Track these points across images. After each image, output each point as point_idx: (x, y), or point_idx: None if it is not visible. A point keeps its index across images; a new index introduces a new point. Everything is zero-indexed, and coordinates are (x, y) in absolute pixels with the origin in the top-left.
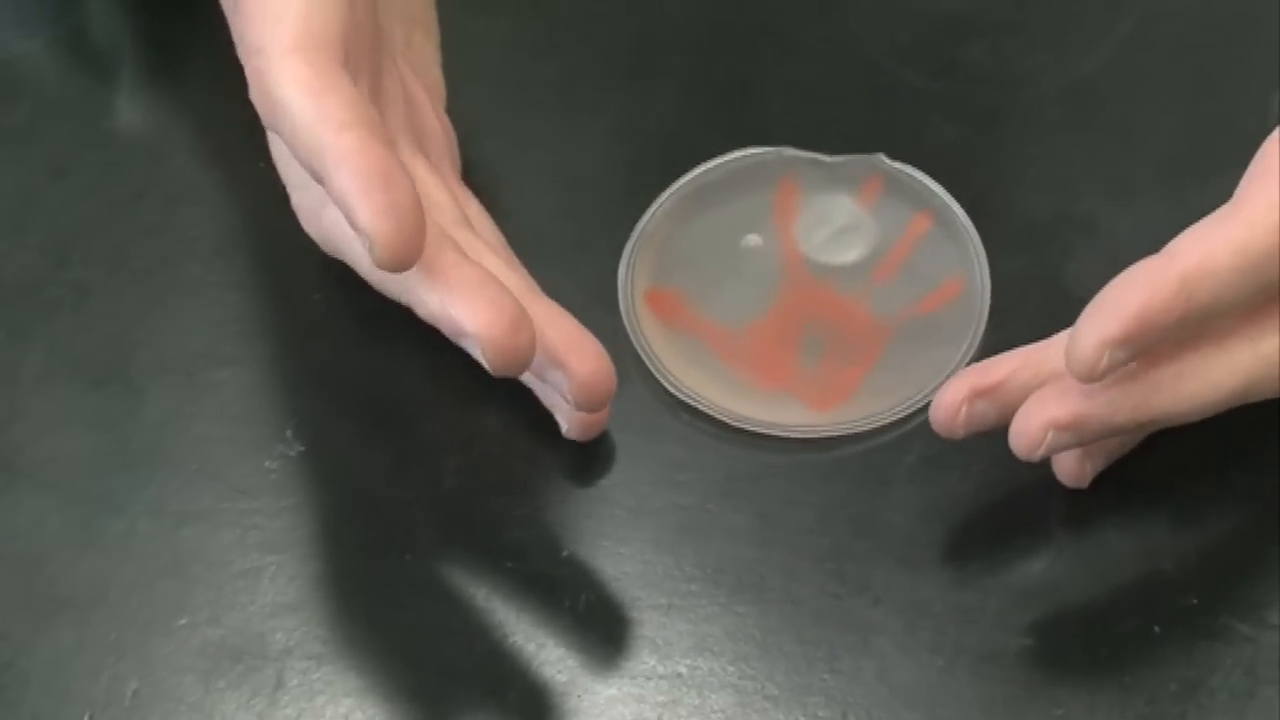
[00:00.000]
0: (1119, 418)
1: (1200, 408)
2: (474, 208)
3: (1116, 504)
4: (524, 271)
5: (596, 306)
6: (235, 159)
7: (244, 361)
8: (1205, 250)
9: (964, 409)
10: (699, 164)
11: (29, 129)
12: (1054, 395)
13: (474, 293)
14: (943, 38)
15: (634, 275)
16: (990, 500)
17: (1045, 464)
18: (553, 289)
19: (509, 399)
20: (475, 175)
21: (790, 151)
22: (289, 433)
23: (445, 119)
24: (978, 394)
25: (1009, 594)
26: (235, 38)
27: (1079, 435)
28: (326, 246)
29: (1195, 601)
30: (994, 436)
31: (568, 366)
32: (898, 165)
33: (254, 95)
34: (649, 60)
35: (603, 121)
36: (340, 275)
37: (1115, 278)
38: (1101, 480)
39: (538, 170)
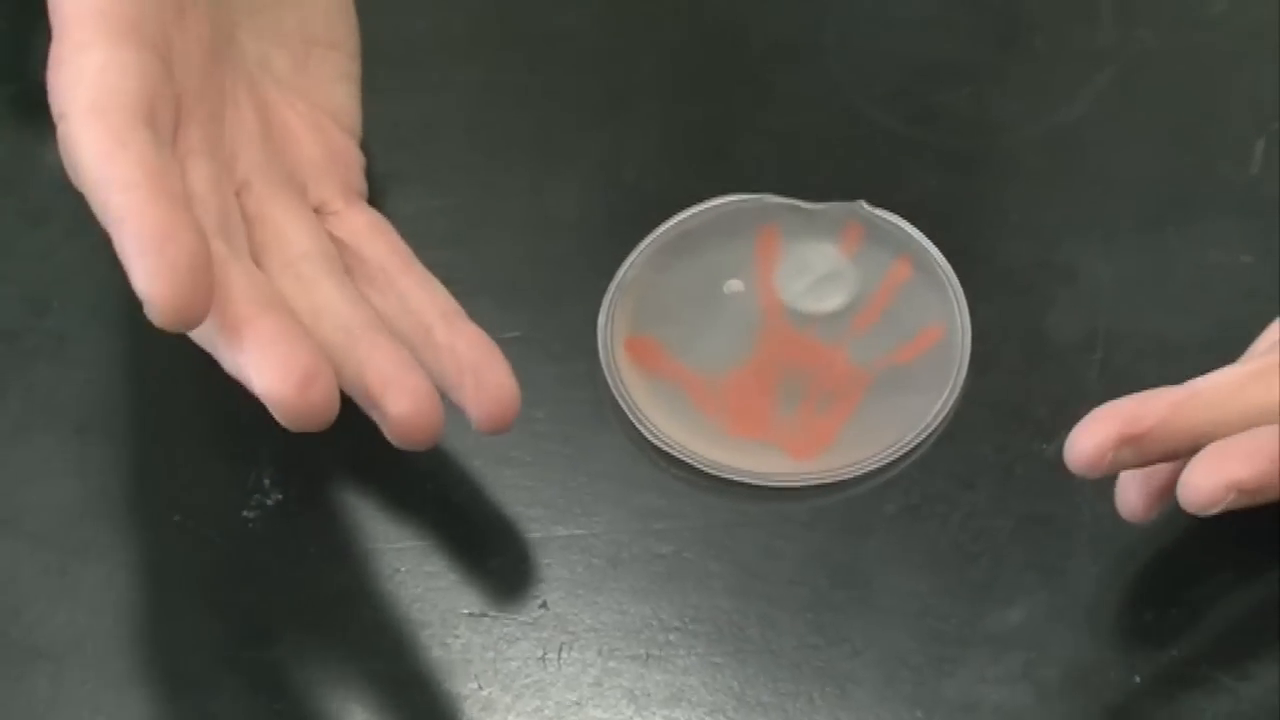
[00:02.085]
0: None
1: None
2: (363, 227)
3: (1095, 553)
4: (420, 287)
5: (576, 354)
6: None
7: (223, 410)
8: None
9: (1110, 454)
10: (679, 212)
11: (6, 176)
12: (1239, 455)
13: (263, 349)
14: (924, 85)
15: (613, 323)
16: (969, 550)
17: (1021, 515)
18: (531, 337)
19: (485, 450)
20: (454, 224)
21: (771, 199)
22: (266, 482)
23: (340, 141)
24: (1126, 440)
25: (988, 645)
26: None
27: (1255, 498)
28: None
29: (1176, 653)
30: (975, 485)
31: (380, 408)
32: (878, 212)
33: (63, 158)
34: (628, 107)
35: (582, 169)
36: None
37: None
38: (1079, 530)
39: (516, 218)
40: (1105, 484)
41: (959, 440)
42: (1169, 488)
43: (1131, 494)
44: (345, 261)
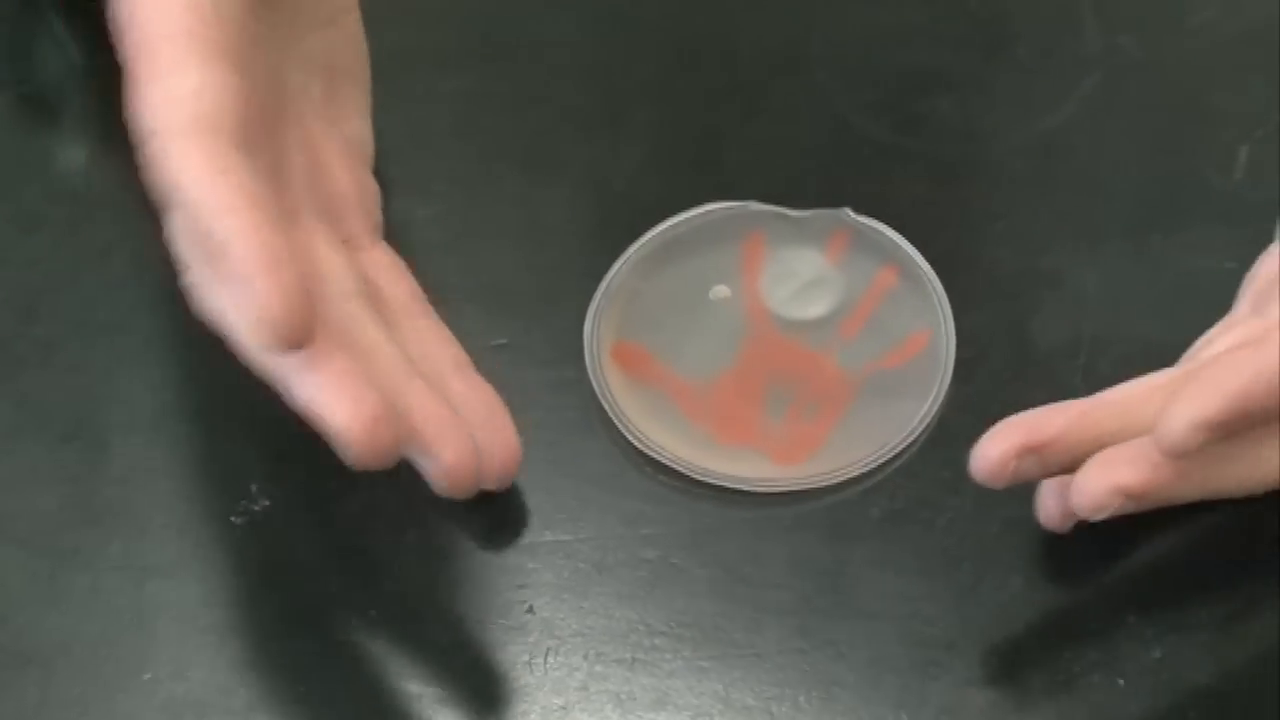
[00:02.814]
0: (1185, 490)
1: (1252, 488)
2: (386, 267)
3: (1079, 557)
4: (435, 333)
5: (563, 361)
6: None
7: (209, 417)
8: None
9: (1013, 464)
10: (666, 219)
11: None
12: (1125, 460)
13: (336, 388)
14: (909, 93)
15: (600, 330)
16: (954, 554)
17: (1007, 519)
18: (519, 343)
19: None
20: (442, 232)
21: (757, 206)
22: (253, 488)
23: (364, 174)
24: (1028, 450)
25: (972, 647)
26: (132, 120)
27: (1142, 502)
28: (214, 326)
29: (1159, 655)
30: (960, 490)
31: (431, 455)
32: (864, 220)
33: (151, 177)
34: (615, 115)
35: (569, 176)
36: None
37: (1213, 358)
38: (1064, 535)
39: (504, 225)
40: None
41: (944, 445)
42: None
43: (1050, 502)
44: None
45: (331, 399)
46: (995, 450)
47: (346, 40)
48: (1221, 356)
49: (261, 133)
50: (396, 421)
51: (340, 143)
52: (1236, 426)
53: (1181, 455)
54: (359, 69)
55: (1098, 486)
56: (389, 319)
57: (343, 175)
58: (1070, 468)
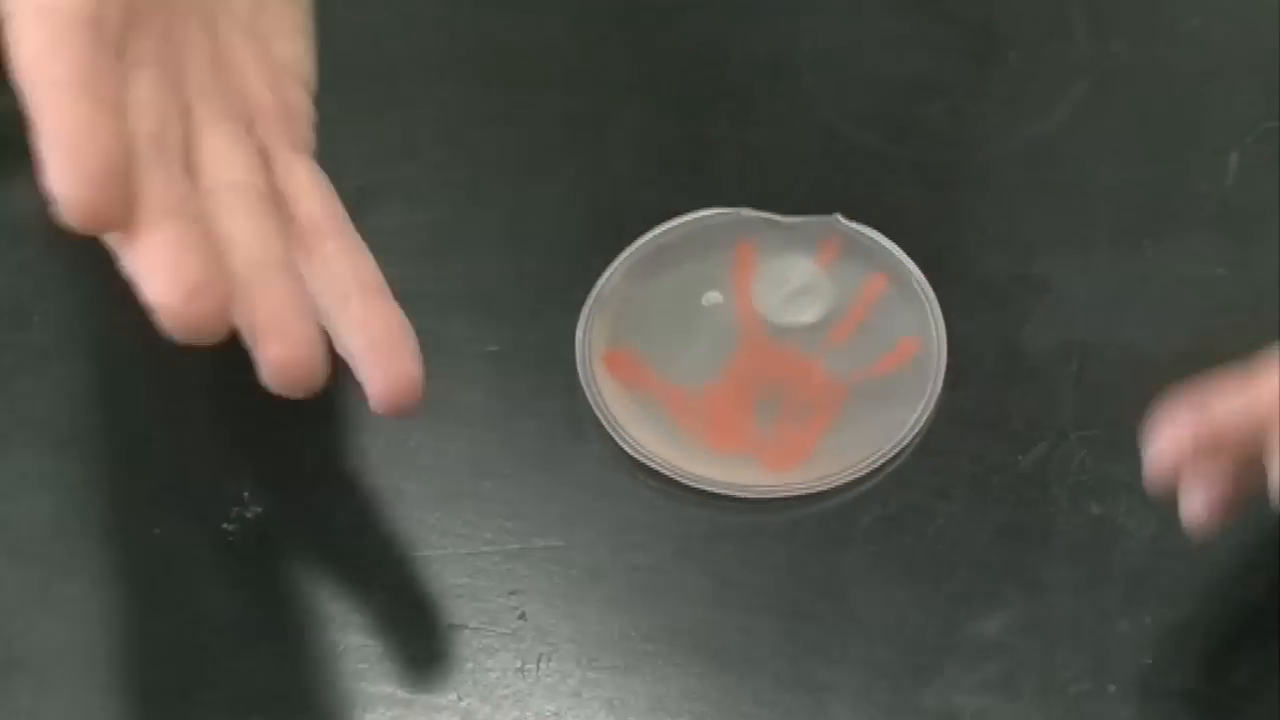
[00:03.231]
0: None
1: None
2: (302, 181)
3: (1070, 564)
4: (345, 253)
5: (554, 367)
6: None
7: (201, 424)
8: None
9: (1189, 464)
10: (656, 225)
11: None
12: None
13: (156, 254)
14: (900, 99)
15: (591, 336)
16: (945, 561)
17: (998, 526)
18: (510, 350)
19: (464, 463)
20: (433, 239)
21: (748, 212)
22: (246, 495)
23: (292, 90)
24: (1201, 449)
25: (964, 654)
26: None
27: None
28: None
29: (1150, 661)
30: (951, 497)
31: (258, 349)
32: (855, 226)
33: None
34: (605, 122)
35: (560, 183)
36: None
37: None
38: (1055, 541)
39: (496, 232)
40: (1080, 494)
41: (935, 452)
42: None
43: (1196, 503)
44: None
45: (150, 266)
46: (1169, 452)
47: None
48: None
49: (146, 18)
50: (221, 297)
51: (260, 54)
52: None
53: None
54: None
55: None
56: (296, 235)
57: (257, 83)
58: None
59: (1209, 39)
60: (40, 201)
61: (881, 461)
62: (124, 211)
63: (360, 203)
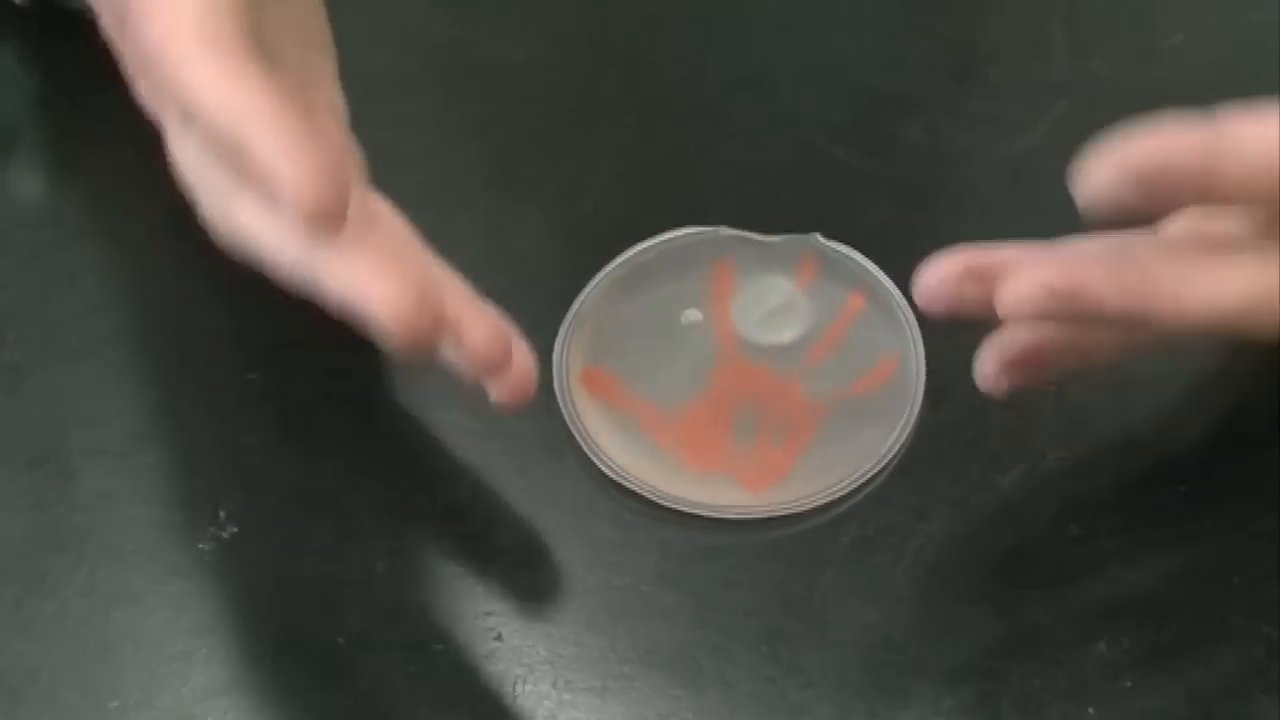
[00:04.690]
0: (1112, 299)
1: (1194, 316)
2: (381, 206)
3: (1049, 586)
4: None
5: None
6: (169, 241)
7: (177, 443)
8: (1253, 133)
9: (954, 287)
10: (635, 244)
11: None
12: (1051, 260)
13: (374, 271)
14: (879, 116)
15: (569, 355)
16: (923, 581)
17: (976, 547)
18: None
19: (441, 482)
20: None
21: (726, 231)
22: (222, 515)
23: (348, 135)
24: (971, 275)
25: (941, 675)
26: (129, 59)
27: (1069, 305)
28: (240, 248)
29: (1129, 684)
30: (929, 517)
31: (463, 337)
32: (833, 245)
33: (164, 98)
34: (584, 139)
35: (538, 201)
36: (272, 357)
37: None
38: (1034, 563)
39: (472, 249)
40: (1058, 515)
41: (914, 472)
42: (1025, 359)
43: (988, 365)
44: None
45: (371, 282)
46: (937, 273)
47: (310, 12)
48: (1164, 121)
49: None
50: (436, 303)
51: (317, 102)
52: (1154, 189)
53: (1097, 202)
54: (325, 40)
55: (1023, 282)
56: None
57: (331, 126)
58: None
59: (1189, 57)
60: (11, 218)
61: (860, 482)
62: (347, 212)
63: None
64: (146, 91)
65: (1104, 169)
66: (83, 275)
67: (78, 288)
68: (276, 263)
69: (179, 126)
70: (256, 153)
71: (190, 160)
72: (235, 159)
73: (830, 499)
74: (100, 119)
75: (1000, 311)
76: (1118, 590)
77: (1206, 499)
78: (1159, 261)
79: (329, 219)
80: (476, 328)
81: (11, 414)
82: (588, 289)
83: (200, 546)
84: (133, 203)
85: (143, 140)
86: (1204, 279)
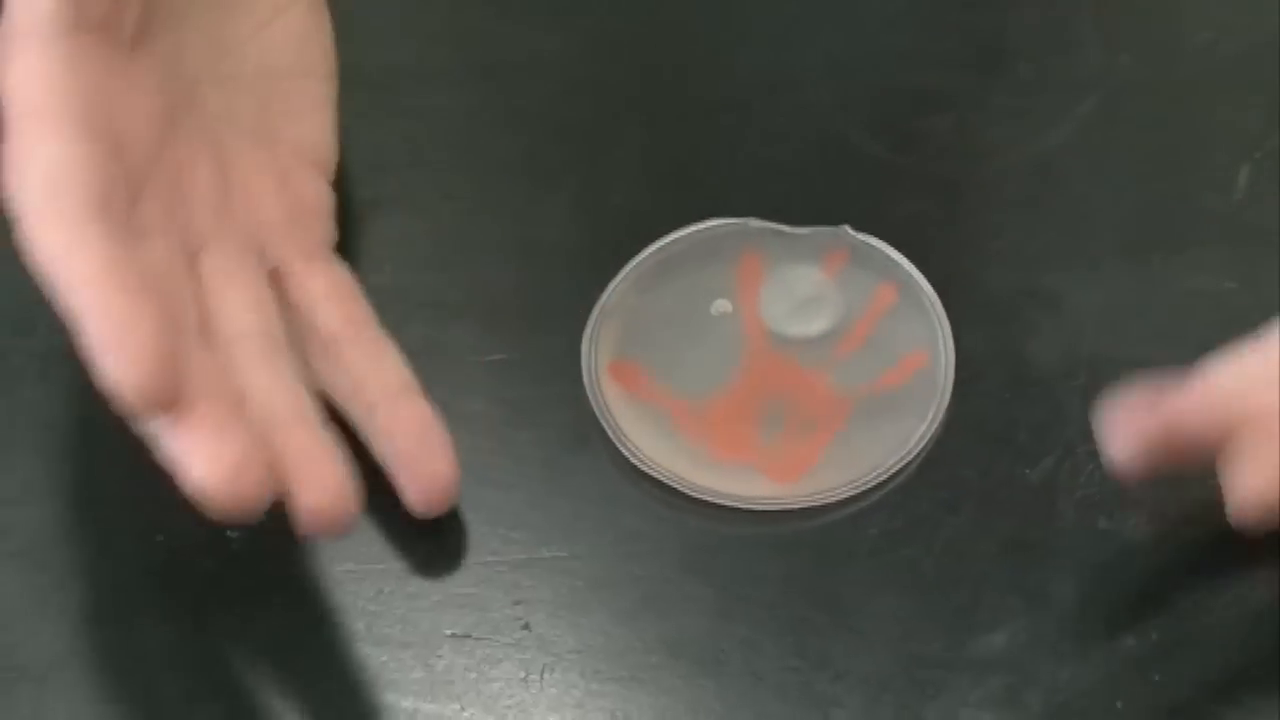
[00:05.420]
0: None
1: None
2: (319, 292)
3: (1078, 580)
4: (369, 359)
5: (559, 378)
6: None
7: None
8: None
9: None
10: (662, 236)
11: None
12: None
13: (195, 440)
14: (908, 111)
15: (597, 347)
16: (952, 575)
17: (1004, 540)
18: (516, 361)
19: (468, 473)
20: (438, 248)
21: (755, 223)
22: None
23: (310, 185)
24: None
25: (970, 669)
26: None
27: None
28: None
29: (1158, 679)
30: (957, 510)
31: (290, 500)
32: (862, 237)
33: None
34: (612, 133)
35: (565, 194)
36: None
37: None
38: (1062, 556)
39: (501, 243)
40: (1087, 508)
41: (942, 465)
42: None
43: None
44: (300, 328)
45: (189, 450)
46: (1125, 449)
47: (288, 39)
48: None
49: (146, 181)
50: (261, 468)
51: (272, 162)
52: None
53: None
54: (314, 65)
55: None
56: (319, 347)
57: (271, 202)
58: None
59: (1218, 54)
60: None
61: (888, 475)
62: (176, 395)
63: (365, 212)
64: None
65: (1124, 445)
66: None
67: None
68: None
69: None
70: (86, 336)
71: None
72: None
73: (858, 491)
74: None
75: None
76: (1146, 584)
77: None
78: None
79: (151, 409)
80: (305, 490)
81: (41, 401)
82: (615, 281)
83: (228, 534)
84: None
85: None
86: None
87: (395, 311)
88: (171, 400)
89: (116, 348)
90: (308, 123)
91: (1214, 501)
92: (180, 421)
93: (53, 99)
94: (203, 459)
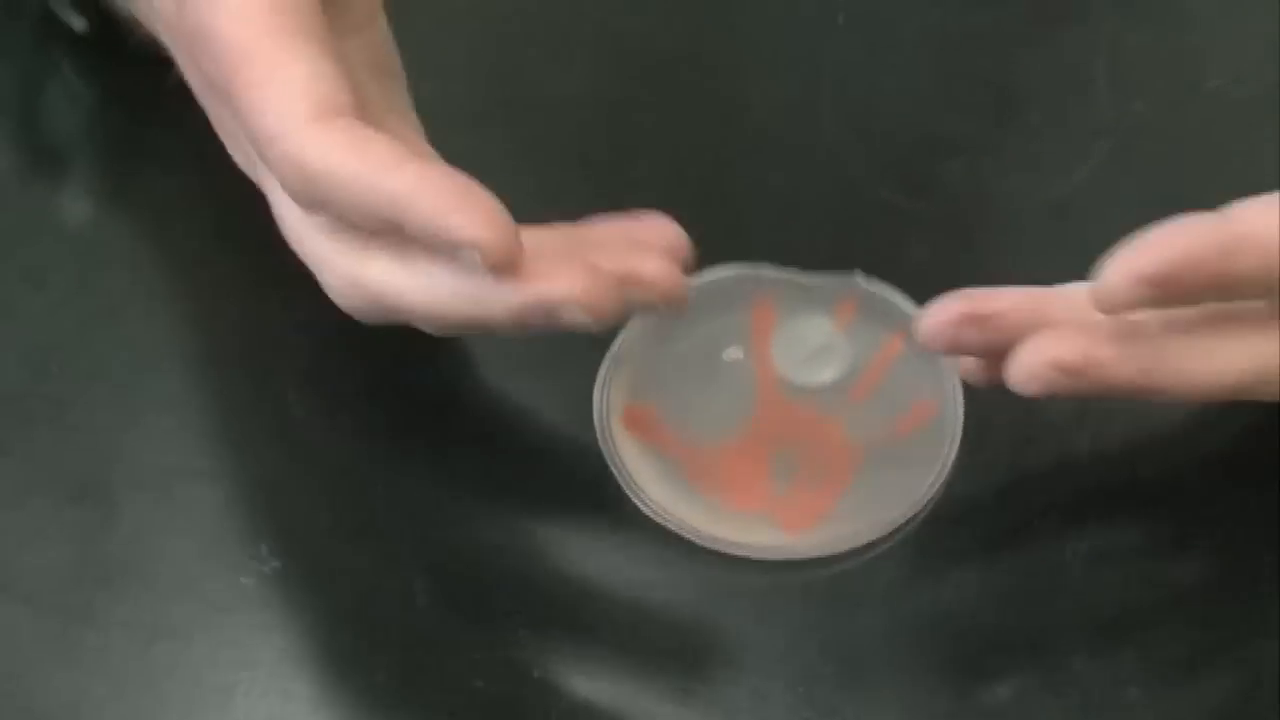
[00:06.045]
0: (1122, 375)
1: (1199, 388)
2: None
3: (1086, 630)
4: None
5: (571, 425)
6: (213, 273)
7: (220, 476)
8: (1265, 223)
9: (953, 330)
10: None
11: (7, 239)
12: (1062, 336)
13: (547, 268)
14: (920, 156)
15: (609, 394)
16: (959, 625)
17: (1011, 591)
18: (527, 407)
19: (480, 519)
20: None
21: (767, 270)
22: (264, 549)
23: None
24: (969, 321)
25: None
26: (224, 129)
27: (1079, 382)
28: (374, 309)
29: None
30: (966, 561)
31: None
32: (873, 285)
33: (286, 180)
34: (624, 177)
35: None
36: (315, 391)
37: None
38: (1070, 609)
39: None
40: (1095, 559)
41: (951, 514)
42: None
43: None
44: None
45: (549, 282)
46: (938, 318)
47: (382, 41)
48: (1178, 218)
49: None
50: (610, 274)
51: (406, 129)
52: (1173, 290)
53: (1113, 309)
54: (397, 66)
55: (1034, 359)
56: None
57: (421, 147)
58: (1005, 349)
59: (1231, 98)
60: (56, 248)
61: (897, 524)
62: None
63: None
64: (244, 162)
65: (1121, 275)
66: (126, 306)
67: (121, 319)
68: (430, 314)
69: (286, 200)
70: (418, 220)
71: (304, 230)
72: (393, 224)
73: (868, 541)
74: (152, 147)
75: (1009, 384)
76: (1152, 635)
77: (1250, 539)
78: (1166, 336)
79: (515, 259)
80: (647, 270)
81: (55, 445)
82: (628, 327)
83: (242, 580)
84: (178, 233)
85: (192, 170)
86: (1209, 356)
87: None
88: (520, 250)
89: (468, 210)
90: (410, 116)
91: (1220, 561)
92: (530, 264)
93: (289, 19)
94: (564, 284)
